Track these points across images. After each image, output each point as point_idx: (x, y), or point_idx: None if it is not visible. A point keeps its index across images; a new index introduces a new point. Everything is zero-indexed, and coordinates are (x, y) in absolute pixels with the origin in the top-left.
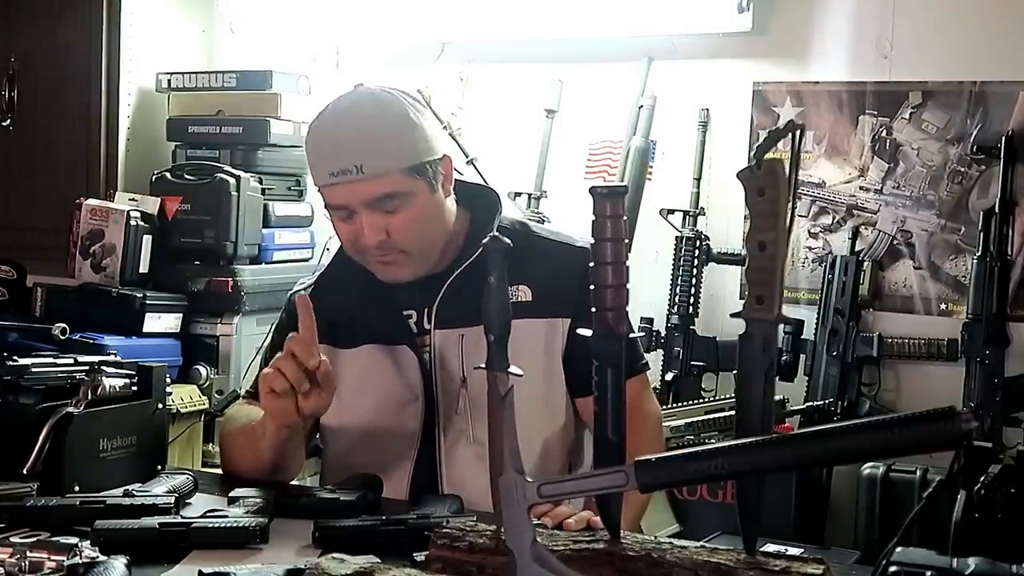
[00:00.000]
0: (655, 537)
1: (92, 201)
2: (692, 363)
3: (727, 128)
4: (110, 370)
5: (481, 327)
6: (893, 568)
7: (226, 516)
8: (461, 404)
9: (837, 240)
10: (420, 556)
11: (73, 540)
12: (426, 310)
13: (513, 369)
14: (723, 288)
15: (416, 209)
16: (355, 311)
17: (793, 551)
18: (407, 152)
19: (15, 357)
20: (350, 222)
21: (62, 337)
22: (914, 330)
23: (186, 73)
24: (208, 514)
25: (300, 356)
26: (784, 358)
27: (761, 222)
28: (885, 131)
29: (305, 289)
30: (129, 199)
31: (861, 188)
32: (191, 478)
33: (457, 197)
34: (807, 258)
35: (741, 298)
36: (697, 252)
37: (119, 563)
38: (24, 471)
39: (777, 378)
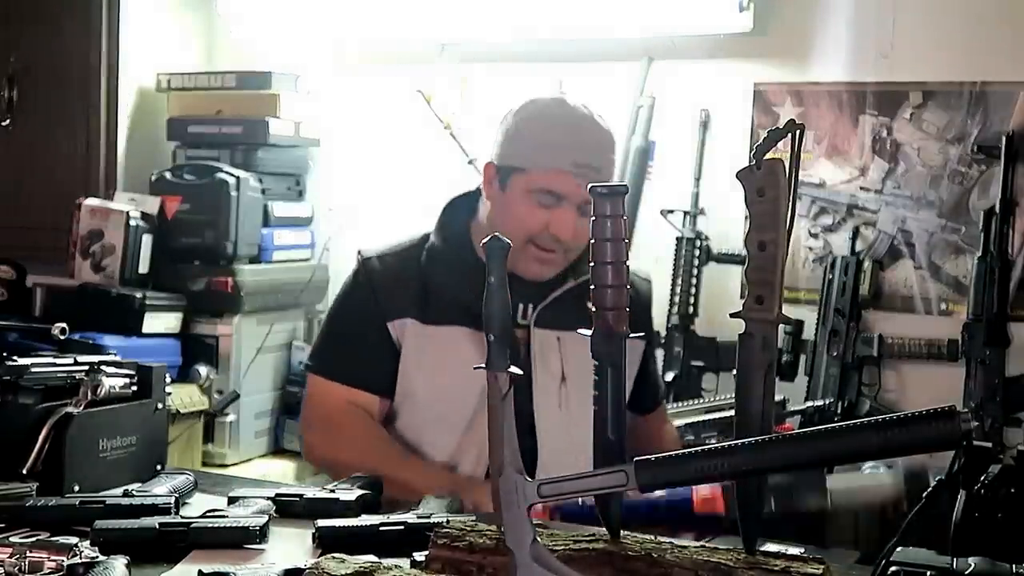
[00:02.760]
0: (655, 537)
1: (92, 201)
2: (692, 363)
3: (727, 128)
4: (110, 370)
5: (577, 333)
6: (893, 568)
7: (226, 516)
8: (562, 399)
9: (837, 240)
10: (420, 556)
11: (73, 540)
12: (524, 307)
13: (512, 369)
14: (723, 288)
15: None
16: (452, 291)
17: (793, 551)
18: (615, 171)
19: (15, 357)
20: (548, 210)
21: (62, 337)
22: (914, 330)
23: (186, 73)
24: (208, 514)
25: None
26: (784, 358)
27: (761, 222)
28: (885, 131)
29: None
30: (129, 199)
31: (861, 188)
32: (191, 478)
33: None
34: (807, 258)
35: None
36: (697, 252)
37: (119, 563)
38: (24, 471)
39: (777, 378)
